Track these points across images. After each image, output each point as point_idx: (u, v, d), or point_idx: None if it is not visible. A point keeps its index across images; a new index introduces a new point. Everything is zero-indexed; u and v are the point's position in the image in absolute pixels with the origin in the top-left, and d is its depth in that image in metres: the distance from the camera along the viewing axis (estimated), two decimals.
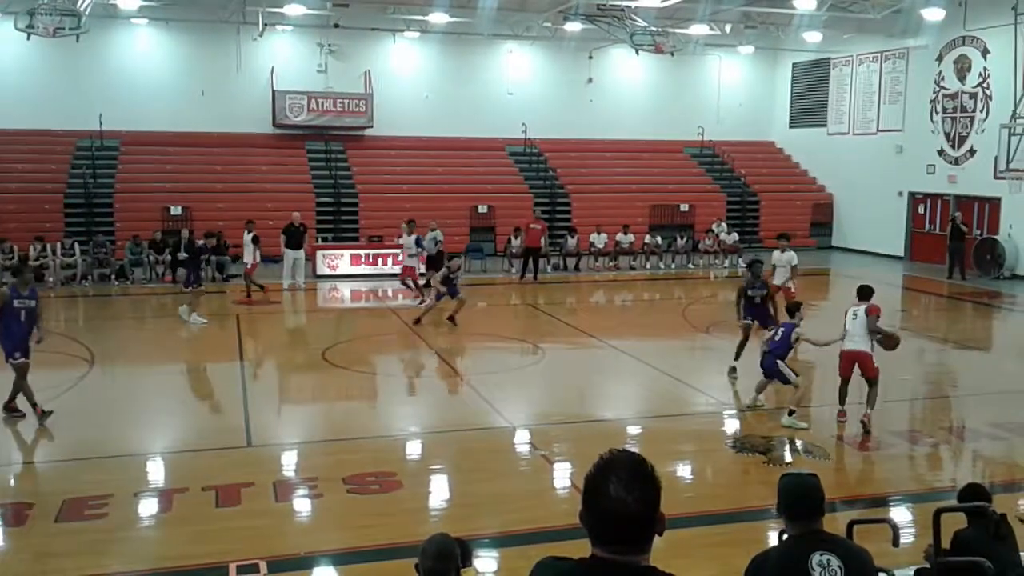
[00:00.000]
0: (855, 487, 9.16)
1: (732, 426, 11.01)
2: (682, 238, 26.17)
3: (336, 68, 28.27)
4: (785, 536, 3.99)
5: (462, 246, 24.97)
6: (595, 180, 28.78)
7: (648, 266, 25.25)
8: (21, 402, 10.60)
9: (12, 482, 9.09)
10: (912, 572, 5.60)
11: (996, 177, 22.51)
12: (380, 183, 27.12)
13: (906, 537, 6.62)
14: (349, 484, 8.59)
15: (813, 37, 27.72)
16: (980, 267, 23.75)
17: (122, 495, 8.25)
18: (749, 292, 13.01)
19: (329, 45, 28.05)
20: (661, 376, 13.31)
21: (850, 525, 5.40)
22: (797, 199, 30.18)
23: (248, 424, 10.68)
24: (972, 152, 24.74)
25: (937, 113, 25.92)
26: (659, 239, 25.86)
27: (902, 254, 27.04)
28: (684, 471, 9.44)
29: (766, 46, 30.06)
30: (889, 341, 10.65)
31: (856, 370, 10.51)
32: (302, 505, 8.30)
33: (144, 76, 26.66)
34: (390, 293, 20.81)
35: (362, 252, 22.78)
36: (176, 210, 24.32)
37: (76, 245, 21.54)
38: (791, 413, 10.54)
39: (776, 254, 15.71)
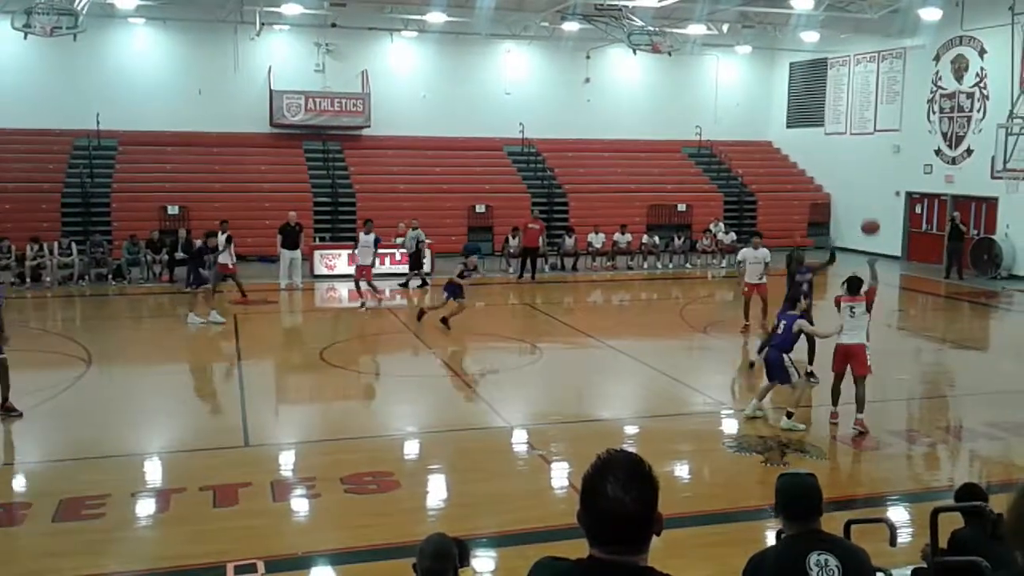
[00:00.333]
0: (852, 487, 9.17)
1: (730, 426, 11.00)
2: (679, 238, 26.17)
3: (333, 68, 28.26)
4: (783, 536, 3.99)
5: (459, 246, 24.93)
6: (593, 180, 28.79)
7: (646, 266, 25.25)
8: (19, 401, 10.59)
9: (9, 482, 9.07)
10: (909, 572, 5.60)
11: (993, 177, 22.55)
12: (378, 183, 27.10)
13: (903, 537, 6.63)
14: (347, 484, 8.59)
15: (810, 37, 27.74)
16: (977, 267, 23.77)
17: (119, 495, 8.24)
18: (797, 277, 13.03)
19: (326, 44, 28.04)
20: (659, 376, 13.32)
21: (848, 525, 5.41)
22: (794, 199, 30.19)
23: (245, 424, 10.67)
24: (969, 152, 24.76)
25: (934, 113, 25.95)
26: (656, 239, 25.87)
27: (899, 254, 27.06)
28: (682, 471, 9.45)
29: (763, 46, 30.08)
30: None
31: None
32: (300, 505, 8.30)
33: (141, 76, 26.64)
34: (387, 293, 20.80)
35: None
36: (173, 210, 24.29)
37: (73, 245, 21.52)
38: (790, 416, 10.47)
39: (748, 251, 16.08)
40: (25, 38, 21.62)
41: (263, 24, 25.39)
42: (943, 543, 5.30)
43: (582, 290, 23.28)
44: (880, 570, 4.53)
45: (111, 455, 9.56)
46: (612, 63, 30.41)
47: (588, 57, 30.21)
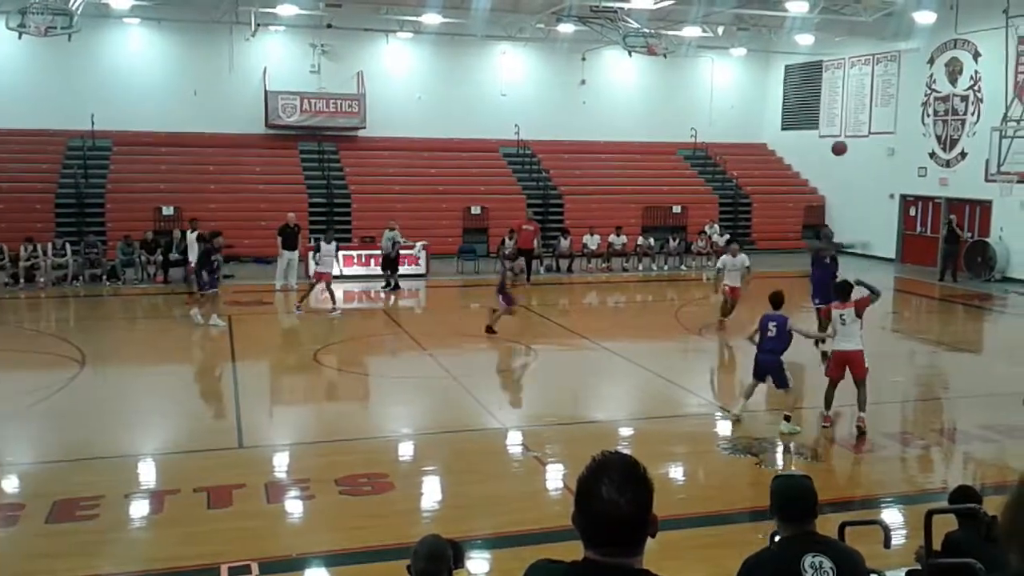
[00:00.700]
0: (847, 489, 9.18)
1: (724, 428, 11.00)
2: (675, 240, 26.20)
3: (329, 68, 28.24)
4: (778, 538, 4.00)
5: (455, 247, 24.97)
6: (588, 182, 28.81)
7: (641, 268, 25.27)
8: (13, 401, 10.55)
9: (2, 483, 9.03)
10: (903, 574, 5.61)
11: (987, 180, 22.62)
12: (373, 184, 27.09)
13: (897, 539, 6.65)
14: (341, 485, 8.57)
15: (805, 40, 27.82)
16: (971, 269, 23.83)
17: (113, 496, 8.22)
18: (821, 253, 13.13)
19: (322, 45, 28.02)
20: (654, 378, 13.32)
21: (842, 527, 5.42)
22: (789, 201, 30.24)
23: (240, 425, 10.66)
24: (963, 155, 24.83)
25: (928, 116, 26.02)
26: (652, 241, 25.89)
27: (893, 256, 27.12)
28: (676, 473, 9.45)
29: (758, 48, 30.14)
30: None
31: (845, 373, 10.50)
32: (294, 506, 8.28)
33: (136, 76, 26.60)
34: (382, 295, 20.78)
35: (354, 253, 22.71)
36: (168, 210, 24.25)
37: (67, 245, 21.45)
38: (788, 419, 10.43)
39: (727, 259, 16.60)
40: (20, 38, 21.57)
41: (258, 25, 25.38)
42: (937, 545, 5.31)
43: (577, 292, 23.28)
44: (874, 572, 4.54)
45: (105, 456, 9.53)
46: (607, 65, 30.44)
47: (584, 59, 30.25)
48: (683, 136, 31.02)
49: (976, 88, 24.43)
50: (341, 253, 22.10)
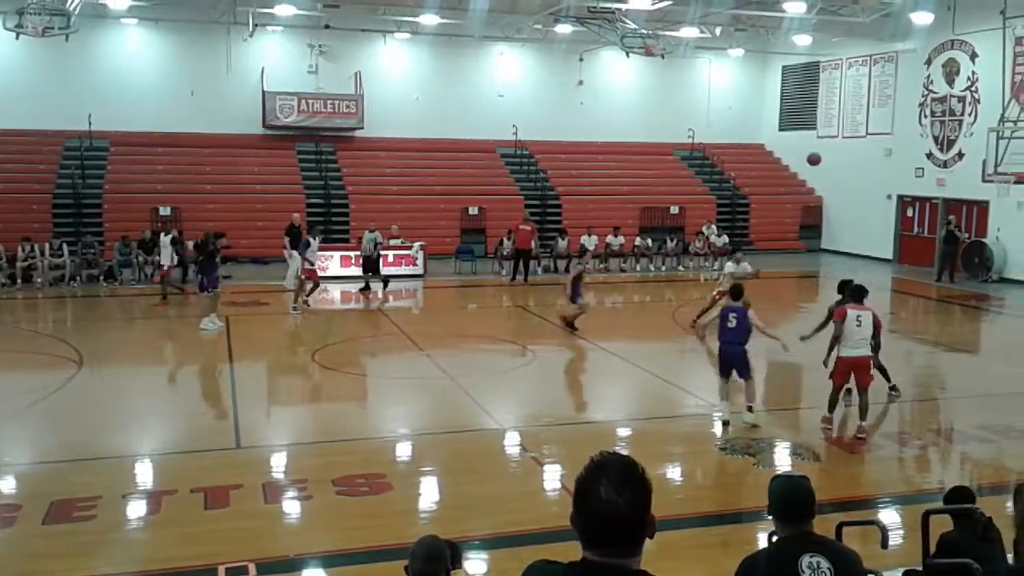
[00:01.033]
0: (844, 489, 9.17)
1: (722, 428, 11.00)
2: (672, 240, 26.22)
3: (327, 69, 28.23)
4: (775, 538, 4.00)
5: (452, 248, 24.98)
6: (586, 182, 28.83)
7: (638, 268, 25.29)
8: (9, 402, 10.54)
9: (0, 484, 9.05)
10: (901, 574, 5.61)
11: (984, 180, 22.64)
12: (371, 184, 27.09)
13: (895, 539, 6.66)
14: (339, 486, 8.57)
15: (803, 40, 27.86)
16: (968, 270, 23.85)
17: (110, 497, 8.21)
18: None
19: (320, 46, 28.01)
20: (651, 378, 13.33)
21: (839, 527, 5.42)
22: (787, 202, 30.28)
23: (237, 425, 10.66)
24: (960, 155, 24.87)
25: (926, 116, 26.06)
26: (649, 241, 25.90)
27: (890, 257, 27.16)
28: (674, 473, 9.45)
29: (756, 49, 30.16)
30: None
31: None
32: (291, 507, 8.28)
33: (134, 76, 26.57)
34: (380, 295, 20.77)
35: (352, 254, 22.70)
36: (165, 211, 24.24)
37: (64, 246, 21.43)
38: (750, 410, 10.53)
39: (731, 266, 16.77)
40: (17, 38, 21.54)
41: (256, 25, 25.35)
42: (934, 546, 5.32)
43: None
44: (871, 572, 4.54)
45: (102, 457, 9.52)
46: (605, 65, 30.46)
47: (581, 59, 30.27)
48: (681, 137, 31.05)
49: (973, 89, 24.47)
50: (339, 254, 22.17)
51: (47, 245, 21.28)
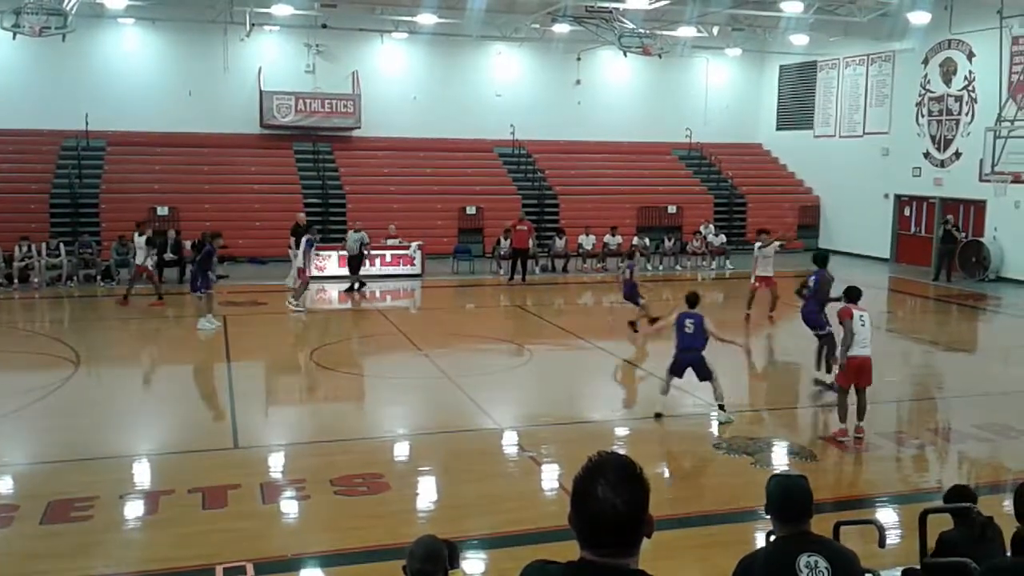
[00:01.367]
0: (842, 488, 9.19)
1: (719, 428, 11.01)
2: (670, 240, 26.22)
3: (324, 69, 28.21)
4: (773, 537, 4.00)
5: (450, 247, 24.97)
6: (583, 182, 28.83)
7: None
8: (7, 402, 10.52)
9: None
10: (899, 573, 5.62)
11: (981, 180, 22.66)
12: (368, 184, 27.08)
13: (892, 538, 6.66)
14: (337, 486, 8.56)
15: (800, 40, 27.86)
16: (965, 269, 23.87)
17: (108, 497, 8.20)
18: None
19: (317, 45, 27.99)
20: (649, 378, 13.32)
21: (837, 526, 5.42)
22: (784, 201, 30.28)
23: (235, 425, 10.65)
24: (958, 155, 24.88)
25: (923, 116, 26.07)
26: (647, 241, 25.90)
27: (887, 256, 27.18)
28: (672, 473, 9.46)
29: (753, 48, 30.16)
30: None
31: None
32: (289, 507, 8.27)
33: (131, 76, 26.55)
34: (378, 294, 20.76)
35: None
36: (163, 211, 24.22)
37: (61, 245, 21.42)
38: (722, 408, 10.65)
39: (759, 247, 17.43)
40: (14, 38, 21.52)
41: (253, 25, 25.32)
42: (931, 544, 5.33)
43: (572, 292, 23.29)
44: (869, 571, 4.55)
45: (99, 457, 9.51)
46: (602, 65, 30.46)
47: (579, 59, 30.27)
48: (678, 136, 31.05)
49: (970, 88, 24.48)
50: (336, 253, 22.15)
51: (44, 245, 21.27)
